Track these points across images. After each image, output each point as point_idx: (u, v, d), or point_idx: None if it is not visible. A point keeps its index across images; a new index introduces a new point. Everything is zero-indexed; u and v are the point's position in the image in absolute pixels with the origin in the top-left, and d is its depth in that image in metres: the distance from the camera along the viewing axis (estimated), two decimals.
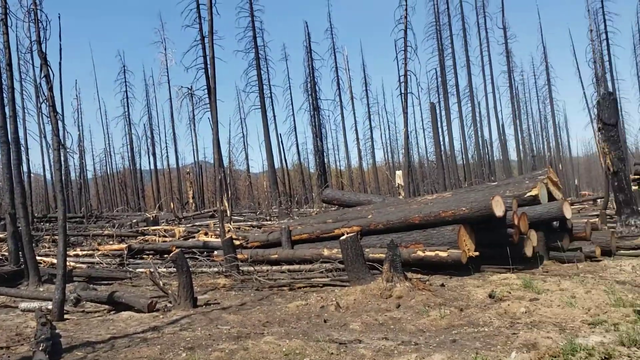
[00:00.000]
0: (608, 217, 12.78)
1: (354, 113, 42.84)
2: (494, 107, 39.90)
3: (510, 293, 6.03)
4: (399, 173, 19.79)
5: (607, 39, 39.63)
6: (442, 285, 6.93)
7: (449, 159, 39.31)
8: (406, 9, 21.38)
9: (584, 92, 39.44)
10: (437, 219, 8.20)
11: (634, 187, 13.41)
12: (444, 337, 4.68)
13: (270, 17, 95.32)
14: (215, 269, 9.50)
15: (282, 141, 39.26)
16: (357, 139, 43.19)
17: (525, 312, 5.23)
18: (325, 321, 5.58)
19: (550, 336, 4.37)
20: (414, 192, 33.24)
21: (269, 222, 17.29)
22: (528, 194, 8.99)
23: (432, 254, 7.77)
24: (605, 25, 39.51)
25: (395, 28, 30.94)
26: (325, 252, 8.97)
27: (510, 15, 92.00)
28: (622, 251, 8.97)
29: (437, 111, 36.12)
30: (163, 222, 18.82)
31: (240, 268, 9.07)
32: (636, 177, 17.53)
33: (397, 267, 6.43)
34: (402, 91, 30.43)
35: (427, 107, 41.27)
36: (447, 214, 8.08)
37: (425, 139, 47.36)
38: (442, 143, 38.23)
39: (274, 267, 9.23)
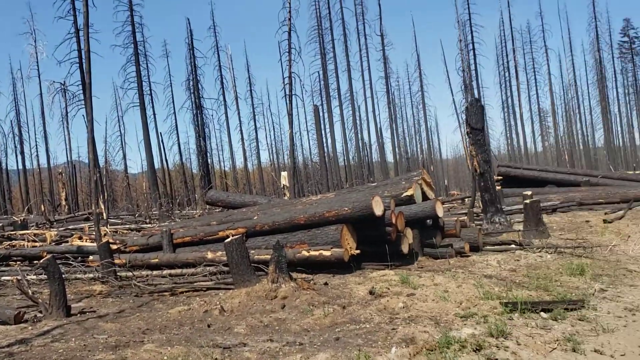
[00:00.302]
0: (475, 215, 13.80)
1: (239, 113, 42.58)
2: (372, 111, 41.60)
3: (389, 289, 6.30)
4: (284, 174, 19.94)
5: (474, 49, 42.89)
6: (326, 284, 7.07)
7: (332, 161, 40.35)
8: (290, 12, 21.62)
9: (453, 99, 42.43)
10: (321, 219, 8.36)
11: (497, 187, 14.63)
12: (328, 335, 4.77)
13: (150, 12, 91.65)
14: (91, 275, 8.93)
15: (162, 140, 37.95)
16: (242, 139, 42.96)
17: (403, 307, 5.49)
18: (209, 326, 5.46)
19: (427, 330, 4.62)
20: (299, 192, 33.68)
21: (149, 225, 16.60)
22: (404, 194, 9.45)
23: (317, 253, 7.91)
24: (472, 37, 42.76)
25: (280, 30, 31.18)
26: (210, 255, 8.79)
27: (387, 23, 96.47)
28: (488, 247, 9.71)
29: (320, 113, 36.91)
30: (32, 226, 17.38)
31: (118, 274, 8.60)
32: (499, 178, 19.12)
33: (283, 267, 6.47)
34: (287, 93, 30.77)
35: (311, 109, 42.08)
36: (331, 214, 8.26)
37: (309, 140, 48.18)
38: (325, 145, 39.10)
39: (155, 272, 8.88)
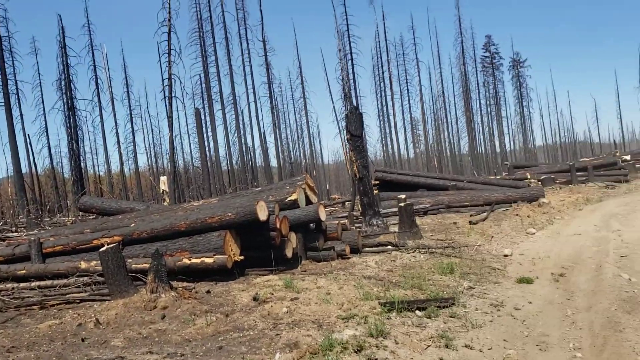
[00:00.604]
0: (355, 218, 14.27)
1: (115, 115, 40.38)
2: (256, 115, 41.50)
3: (273, 294, 6.32)
4: (163, 179, 19.22)
5: (352, 59, 44.35)
6: (208, 292, 6.93)
7: (215, 165, 39.66)
8: (169, 12, 20.98)
9: (334, 106, 43.70)
10: (204, 225, 8.18)
11: (375, 191, 15.26)
12: (211, 344, 4.68)
13: (17, 6, 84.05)
14: None
15: (30, 143, 34.97)
16: (119, 142, 40.77)
17: (287, 312, 5.54)
18: (83, 340, 5.12)
19: (310, 334, 4.70)
20: (180, 198, 32.65)
21: (16, 234, 15.22)
22: (289, 199, 9.55)
23: (198, 260, 7.72)
24: (351, 47, 44.19)
25: (159, 30, 30.09)
26: (83, 265, 8.24)
27: (270, 30, 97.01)
28: (367, 248, 10.10)
29: (202, 117, 36.15)
30: None
31: None
32: (376, 182, 19.94)
33: (162, 276, 6.24)
34: (167, 95, 29.72)
35: (192, 112, 41.07)
36: (214, 220, 8.12)
37: (190, 144, 47.06)
38: (207, 149, 38.41)
39: (22, 284, 8.14)
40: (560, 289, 6.98)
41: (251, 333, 4.95)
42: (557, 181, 23.69)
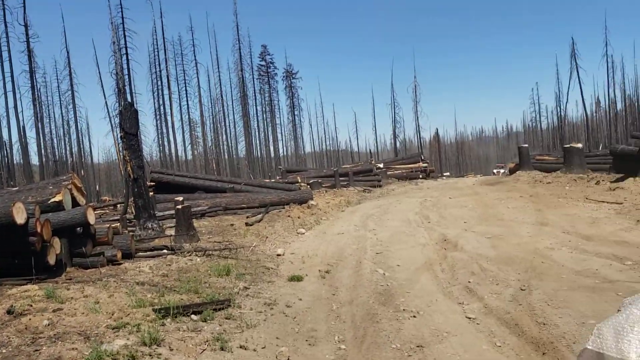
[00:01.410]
0: (128, 221, 13.57)
1: None
2: (14, 107, 36.82)
3: (32, 306, 5.67)
4: None
5: (127, 54, 42.16)
6: None
7: None
8: None
9: (106, 102, 40.92)
10: None
11: (151, 193, 14.71)
12: None
13: None
14: None
15: None
16: None
17: (49, 325, 5.03)
18: None
19: (76, 347, 4.35)
20: None
21: None
22: (52, 200, 8.68)
23: None
24: (126, 41, 42.01)
25: None
26: None
27: (34, 15, 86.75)
28: (141, 253, 9.67)
29: None
30: None
31: None
32: (152, 184, 19.27)
33: None
34: None
35: None
36: None
37: None
38: None
39: None
40: (326, 285, 7.60)
41: (4, 351, 4.38)
42: (324, 185, 25.82)
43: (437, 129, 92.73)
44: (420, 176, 34.06)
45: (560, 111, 56.82)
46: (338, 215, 16.59)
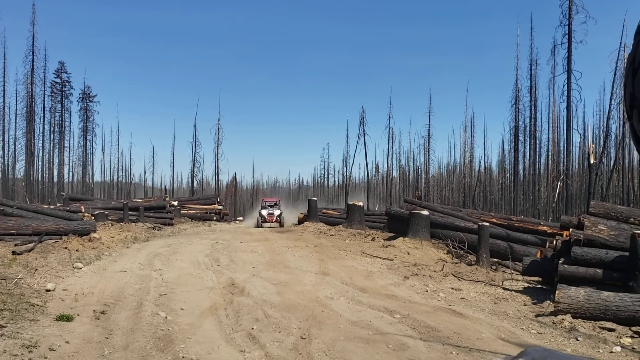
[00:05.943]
0: None
1: None
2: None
3: None
4: None
5: None
6: None
7: None
8: None
9: None
10: None
11: None
12: None
13: None
14: None
15: None
16: None
17: None
18: None
19: None
20: None
21: None
22: None
23: None
24: None
25: None
26: None
27: None
28: None
29: None
30: None
31: None
32: None
33: None
34: None
35: None
36: None
37: None
38: None
39: None
40: (100, 327, 7.00)
41: None
42: (110, 217, 24.14)
43: (235, 173, 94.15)
44: (215, 218, 33.96)
45: (346, 171, 62.13)
46: (123, 251, 15.58)
